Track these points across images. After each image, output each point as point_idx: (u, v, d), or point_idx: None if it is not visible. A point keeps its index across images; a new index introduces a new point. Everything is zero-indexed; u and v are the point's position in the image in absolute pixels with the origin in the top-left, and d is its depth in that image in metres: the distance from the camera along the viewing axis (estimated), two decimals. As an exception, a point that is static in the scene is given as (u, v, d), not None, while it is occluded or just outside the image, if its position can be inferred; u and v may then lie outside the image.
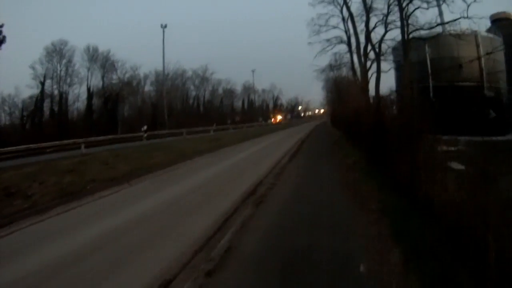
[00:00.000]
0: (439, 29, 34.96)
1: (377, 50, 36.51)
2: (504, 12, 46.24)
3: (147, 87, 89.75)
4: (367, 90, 35.03)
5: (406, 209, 7.29)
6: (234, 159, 20.75)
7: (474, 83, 37.79)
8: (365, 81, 36.38)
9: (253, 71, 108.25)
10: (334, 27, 40.74)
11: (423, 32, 34.46)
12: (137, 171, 16.66)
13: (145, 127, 34.65)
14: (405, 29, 33.33)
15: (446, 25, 33.20)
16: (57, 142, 27.66)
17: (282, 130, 60.66)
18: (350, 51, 41.41)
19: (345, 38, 41.29)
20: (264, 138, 38.87)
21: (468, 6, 29.73)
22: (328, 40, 41.15)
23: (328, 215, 8.17)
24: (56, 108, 69.49)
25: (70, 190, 12.77)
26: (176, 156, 22.18)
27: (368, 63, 37.81)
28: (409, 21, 33.43)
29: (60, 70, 69.30)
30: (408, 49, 33.53)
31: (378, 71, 36.22)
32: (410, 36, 33.59)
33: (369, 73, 37.77)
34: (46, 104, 69.13)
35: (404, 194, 8.07)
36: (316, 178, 13.12)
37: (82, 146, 26.84)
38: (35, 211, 10.24)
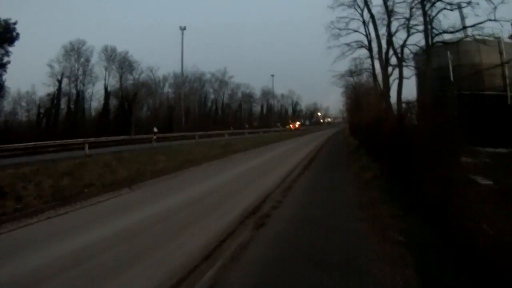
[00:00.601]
0: (461, 34, 33.69)
1: (399, 55, 34.65)
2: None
3: (165, 89, 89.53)
4: (388, 96, 33.51)
5: (438, 246, 5.72)
6: (244, 167, 19.31)
7: (497, 92, 35.38)
8: (386, 87, 34.53)
9: (272, 75, 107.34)
10: (354, 31, 39.00)
11: (446, 37, 33.06)
12: (138, 176, 15.69)
13: (155, 129, 33.12)
14: (429, 32, 31.72)
15: (470, 29, 31.69)
16: (58, 142, 27.13)
17: (299, 136, 58.91)
18: (371, 56, 39.51)
19: (365, 42, 39.59)
20: (279, 144, 37.35)
21: (495, 8, 28.35)
22: (348, 44, 39.47)
23: (340, 248, 6.45)
24: (72, 107, 69.56)
25: (66, 193, 12.15)
26: (182, 161, 21.19)
27: (389, 69, 36.06)
28: (433, 25, 31.89)
29: (77, 69, 69.95)
30: (431, 53, 31.85)
31: (400, 77, 34.40)
32: (434, 40, 32.10)
33: (390, 79, 36.05)
34: (64, 102, 69.44)
35: (434, 222, 6.42)
36: (329, 196, 11.35)
37: (86, 146, 25.59)
38: (25, 214, 9.83)
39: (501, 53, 38.28)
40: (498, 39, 36.91)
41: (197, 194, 12.11)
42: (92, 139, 28.08)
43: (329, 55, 55.26)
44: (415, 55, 37.26)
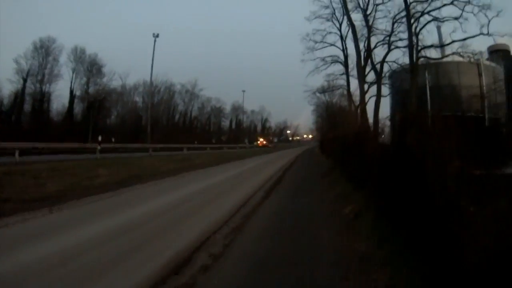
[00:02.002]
0: (442, 53, 32.23)
1: (378, 71, 32.17)
2: (502, 44, 42.88)
3: (135, 98, 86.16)
4: (365, 113, 30.91)
5: None
6: (194, 188, 15.36)
7: (474, 114, 33.98)
8: (364, 103, 32.10)
9: (243, 91, 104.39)
10: (331, 45, 36.83)
11: (430, 54, 31.21)
12: (68, 192, 12.60)
13: (99, 138, 28.74)
14: (413, 47, 29.42)
15: (456, 46, 29.61)
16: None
17: (266, 154, 54.79)
18: (346, 72, 37.42)
19: (341, 57, 37.39)
20: (243, 162, 33.18)
21: (490, 21, 27.01)
22: (323, 59, 37.25)
23: None
24: (37, 107, 64.71)
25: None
26: (126, 176, 17.70)
27: (365, 86, 33.91)
28: (418, 39, 29.97)
29: (44, 68, 65.12)
30: (416, 69, 29.34)
31: (379, 93, 32.13)
32: (418, 55, 29.99)
33: (366, 96, 33.85)
34: (28, 102, 64.80)
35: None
36: (295, 248, 7.11)
37: (16, 153, 21.66)
38: None
39: (480, 75, 37.34)
40: (478, 61, 36.30)
41: (124, 226, 8.50)
42: (19, 144, 23.71)
43: (302, 68, 53.41)
44: (394, 72, 35.36)
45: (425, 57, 30.56)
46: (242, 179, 19.86)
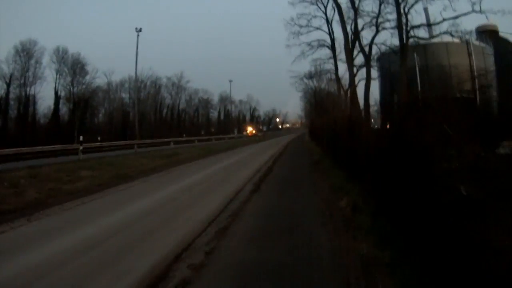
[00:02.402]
0: (430, 33, 31.12)
1: (366, 53, 31.12)
2: (491, 24, 42.03)
3: (122, 94, 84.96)
4: (355, 97, 29.88)
5: None
6: (182, 184, 14.73)
7: (465, 95, 32.83)
8: (354, 86, 31.24)
9: (230, 81, 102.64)
10: (317, 29, 35.57)
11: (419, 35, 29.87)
12: (49, 199, 11.93)
13: (81, 138, 27.39)
14: (403, 28, 28.31)
15: (446, 25, 28.37)
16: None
17: (255, 143, 53.86)
18: (334, 56, 36.50)
19: (328, 41, 36.24)
20: (232, 153, 32.30)
21: None
22: (309, 44, 36.12)
23: None
24: (17, 112, 63.91)
25: None
26: (111, 177, 16.83)
27: (354, 70, 32.53)
28: (408, 19, 28.72)
29: (27, 71, 63.84)
30: (406, 50, 28.31)
31: (368, 76, 30.90)
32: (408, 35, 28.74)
33: (355, 80, 32.92)
34: (13, 107, 63.79)
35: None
36: (288, 252, 6.22)
37: (-5, 160, 20.13)
38: None
39: (470, 55, 36.64)
40: (467, 40, 35.52)
41: (105, 230, 8.04)
42: (5, 151, 22.80)
43: (288, 54, 51.97)
44: (382, 55, 34.43)
45: (415, 37, 29.40)
46: (231, 171, 18.96)
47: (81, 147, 26.01)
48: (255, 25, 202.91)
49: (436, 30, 29.37)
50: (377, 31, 31.06)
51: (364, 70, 33.20)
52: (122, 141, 38.51)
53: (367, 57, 31.72)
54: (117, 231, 7.97)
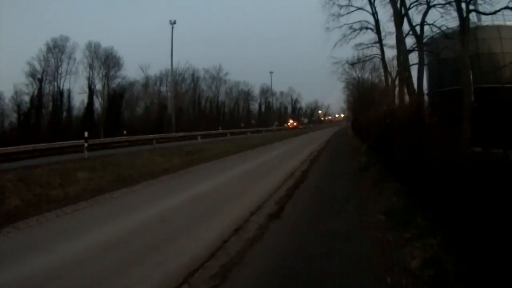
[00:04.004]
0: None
1: (418, 33, 26.76)
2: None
3: (157, 88, 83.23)
4: (411, 85, 24.78)
5: None
6: (184, 196, 11.15)
7: None
8: (409, 71, 25.90)
9: (271, 72, 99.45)
10: (358, 9, 31.57)
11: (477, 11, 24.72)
12: (29, 208, 9.96)
13: (86, 134, 24.21)
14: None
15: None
16: None
17: (294, 137, 49.45)
18: (379, 39, 32.21)
19: (372, 22, 32.04)
20: (262, 150, 27.96)
21: None
22: (350, 26, 32.23)
23: None
24: (52, 108, 63.34)
25: None
26: (112, 179, 14.28)
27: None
28: None
29: (59, 67, 63.58)
30: (467, 29, 23.37)
31: (421, 60, 26.36)
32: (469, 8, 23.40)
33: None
34: (47, 103, 63.35)
35: None
36: None
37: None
38: None
39: None
40: None
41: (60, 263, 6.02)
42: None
43: (328, 41, 47.52)
44: (432, 39, 30.46)
45: (476, 11, 24.10)
46: (257, 176, 15.10)
47: (86, 144, 23.07)
48: (296, 16, 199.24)
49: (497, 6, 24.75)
50: (428, 7, 26.37)
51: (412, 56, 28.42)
52: (142, 136, 35.30)
53: (419, 38, 27.14)
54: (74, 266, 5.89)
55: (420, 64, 26.63)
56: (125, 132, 38.82)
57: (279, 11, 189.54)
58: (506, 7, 22.91)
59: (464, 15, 22.26)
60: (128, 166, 17.04)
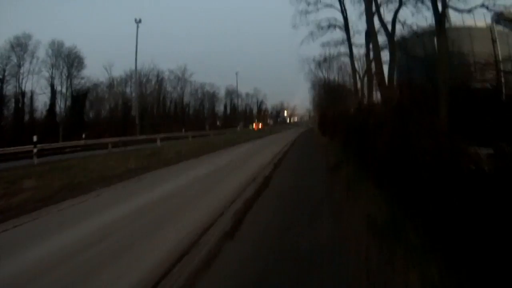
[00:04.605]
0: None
1: (389, 30, 26.14)
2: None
3: (122, 89, 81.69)
4: (383, 79, 23.99)
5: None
6: (137, 204, 9.89)
7: (489, 86, 28.38)
8: (381, 66, 25.01)
9: (236, 73, 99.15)
10: (327, 5, 31.39)
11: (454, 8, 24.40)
12: None
13: (34, 138, 22.86)
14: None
15: None
16: None
17: (259, 138, 47.26)
18: (348, 37, 32.11)
19: (341, 20, 31.79)
20: (223, 152, 26.12)
21: None
22: (318, 24, 32.08)
23: None
24: (14, 109, 60.65)
25: None
26: (61, 186, 12.96)
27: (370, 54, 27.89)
28: None
29: (22, 66, 61.08)
30: (444, 23, 22.80)
31: (392, 57, 25.89)
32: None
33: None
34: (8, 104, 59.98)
35: None
36: None
37: None
38: None
39: (494, 41, 33.65)
40: (490, 27, 33.39)
41: None
42: None
43: (295, 37, 47.54)
44: (402, 39, 30.02)
45: (453, 7, 23.47)
46: (208, 185, 12.89)
47: (35, 150, 21.87)
48: (261, 16, 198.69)
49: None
50: (401, 3, 26.16)
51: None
52: (92, 140, 33.93)
53: (390, 35, 26.42)
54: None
55: (391, 61, 25.83)
56: (83, 135, 37.40)
57: (246, 12, 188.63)
58: (482, 5, 22.94)
59: (441, 10, 21.91)
60: (80, 172, 15.88)
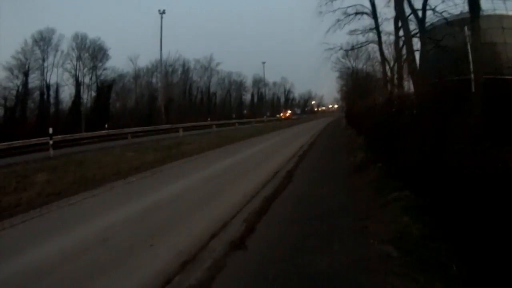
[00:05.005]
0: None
1: (420, 16, 24.20)
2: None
3: (147, 79, 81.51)
4: (415, 69, 22.15)
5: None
6: (143, 203, 9.20)
7: None
8: (413, 54, 22.93)
9: (263, 62, 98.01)
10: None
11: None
12: None
13: (50, 130, 22.30)
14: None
15: None
16: None
17: (286, 128, 46.76)
18: (376, 25, 29.59)
19: (368, 6, 29.52)
20: (247, 144, 25.19)
21: None
22: (345, 12, 29.91)
23: None
24: (39, 102, 61.17)
25: None
26: (69, 183, 12.22)
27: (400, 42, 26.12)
28: None
29: (45, 60, 61.59)
30: (479, 7, 20.92)
31: (424, 45, 24.20)
32: None
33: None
34: (34, 97, 61.01)
35: None
36: None
37: None
38: None
39: None
40: None
41: None
42: None
43: (321, 24, 45.86)
44: (432, 27, 28.22)
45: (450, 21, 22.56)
46: (225, 182, 12.02)
47: (51, 142, 21.35)
48: (289, 6, 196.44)
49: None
50: None
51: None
52: (113, 130, 33.23)
53: (421, 21, 24.53)
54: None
55: (423, 49, 24.53)
56: (106, 125, 37.09)
57: (273, 2, 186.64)
58: None
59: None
60: (94, 165, 15.48)
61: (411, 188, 6.84)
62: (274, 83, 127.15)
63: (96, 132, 32.94)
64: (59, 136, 25.63)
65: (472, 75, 18.45)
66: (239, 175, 13.16)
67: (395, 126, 9.42)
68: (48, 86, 61.48)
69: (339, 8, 29.94)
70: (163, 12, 52.46)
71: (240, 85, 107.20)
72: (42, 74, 60.68)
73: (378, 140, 12.30)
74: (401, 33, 25.45)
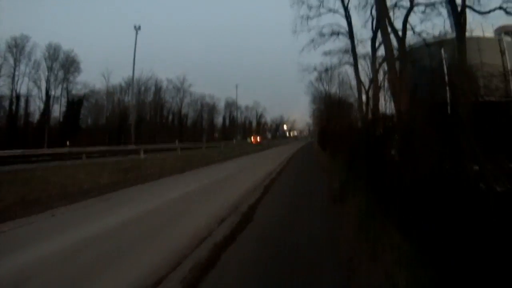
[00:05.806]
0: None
1: (400, 35, 23.87)
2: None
3: (121, 97, 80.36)
4: (396, 87, 21.15)
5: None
6: (84, 234, 7.61)
7: (500, 98, 26.59)
8: (394, 72, 22.10)
9: (236, 85, 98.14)
10: (330, 11, 29.30)
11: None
12: None
13: None
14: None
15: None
16: None
17: (255, 153, 44.75)
18: (352, 45, 29.59)
19: (344, 26, 29.44)
20: (211, 169, 23.27)
21: None
22: (320, 32, 30.37)
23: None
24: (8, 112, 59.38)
25: None
26: (12, 203, 11.02)
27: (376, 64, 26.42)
28: None
29: (16, 67, 60.17)
30: (465, 26, 20.95)
31: (403, 64, 23.53)
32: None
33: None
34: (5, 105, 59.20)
35: None
36: None
37: None
38: None
39: (502, 53, 33.18)
40: (498, 38, 32.95)
41: None
42: None
43: (295, 44, 45.60)
44: (411, 49, 28.48)
45: (472, 8, 22.03)
46: (175, 217, 9.52)
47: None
48: (262, 30, 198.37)
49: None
50: (412, 6, 24.35)
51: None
52: (75, 148, 31.68)
53: (401, 40, 24.19)
54: None
55: (402, 67, 23.56)
56: (68, 143, 35.68)
57: (246, 25, 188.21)
58: (500, 8, 21.30)
59: (459, 9, 19.93)
60: (41, 186, 13.66)
61: (399, 222, 5.60)
62: (247, 107, 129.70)
63: (58, 149, 31.11)
64: (19, 151, 24.26)
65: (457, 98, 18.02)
66: (191, 209, 10.72)
67: (378, 150, 8.40)
68: (18, 96, 60.02)
69: (314, 27, 30.31)
70: (139, 28, 51.76)
71: (212, 108, 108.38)
72: (13, 82, 59.24)
73: (357, 164, 11.14)
74: (378, 53, 25.31)
